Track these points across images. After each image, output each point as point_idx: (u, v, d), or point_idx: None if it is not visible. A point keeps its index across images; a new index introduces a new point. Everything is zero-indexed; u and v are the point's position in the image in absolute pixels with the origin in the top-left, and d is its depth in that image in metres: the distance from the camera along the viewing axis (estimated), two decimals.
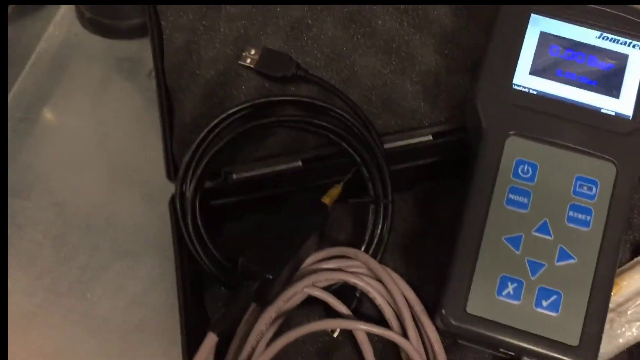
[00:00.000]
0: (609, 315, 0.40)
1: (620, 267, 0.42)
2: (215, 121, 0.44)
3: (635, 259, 0.42)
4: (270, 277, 0.36)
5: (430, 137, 0.46)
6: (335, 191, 0.42)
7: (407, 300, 0.41)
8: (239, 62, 0.48)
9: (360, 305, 0.43)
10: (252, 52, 0.48)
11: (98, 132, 0.56)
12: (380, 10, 0.50)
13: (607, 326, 0.39)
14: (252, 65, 0.48)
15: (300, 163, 0.46)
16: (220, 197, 0.46)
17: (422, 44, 0.49)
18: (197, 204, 0.44)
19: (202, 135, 0.44)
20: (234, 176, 0.46)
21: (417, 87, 0.48)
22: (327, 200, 0.41)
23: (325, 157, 0.46)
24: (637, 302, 0.40)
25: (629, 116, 0.40)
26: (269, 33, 0.50)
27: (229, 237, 0.47)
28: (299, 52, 0.49)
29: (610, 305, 0.40)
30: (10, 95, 0.57)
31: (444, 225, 0.46)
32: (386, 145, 0.46)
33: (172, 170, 0.46)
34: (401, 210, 0.47)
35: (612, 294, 0.41)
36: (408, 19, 0.50)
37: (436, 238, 0.46)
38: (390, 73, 0.48)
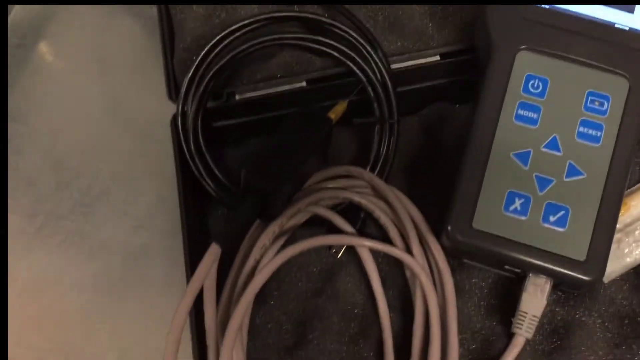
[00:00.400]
0: (617, 235, 0.40)
1: (629, 188, 0.42)
2: (217, 38, 0.43)
3: None
4: (274, 188, 0.35)
5: (438, 58, 0.45)
6: (340, 107, 0.41)
7: (412, 219, 0.40)
8: None
9: (365, 227, 0.43)
10: None
11: (97, 60, 0.55)
12: None
13: (614, 246, 0.39)
14: None
15: (304, 83, 0.45)
16: (222, 119, 0.45)
17: None
18: (199, 123, 0.43)
19: (203, 53, 0.43)
20: (237, 97, 0.45)
21: (425, 7, 0.46)
22: (332, 115, 0.40)
23: (330, 78, 0.45)
24: None
25: None
26: None
27: (231, 160, 0.46)
28: None
29: (618, 226, 0.40)
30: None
31: (450, 150, 0.45)
32: (392, 66, 0.45)
33: (174, 90, 0.45)
34: (407, 133, 0.46)
35: (621, 214, 0.40)
36: None
37: (442, 162, 0.45)
38: None
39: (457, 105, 0.47)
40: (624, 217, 0.40)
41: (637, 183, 0.42)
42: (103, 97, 0.53)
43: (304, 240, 0.38)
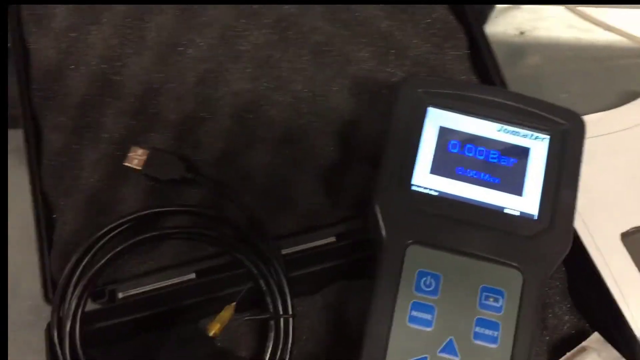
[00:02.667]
0: None
1: None
2: (94, 237, 0.40)
3: None
4: None
5: (334, 239, 0.43)
6: (226, 314, 0.38)
7: None
8: (125, 163, 0.44)
9: None
10: (139, 152, 0.44)
11: None
12: (278, 97, 0.47)
13: None
14: (138, 167, 0.44)
15: (193, 275, 0.42)
16: (105, 319, 0.42)
17: (322, 133, 0.46)
18: (77, 331, 0.39)
19: (79, 253, 0.40)
20: (120, 294, 0.42)
21: (318, 181, 0.45)
22: (216, 326, 0.37)
23: (221, 268, 0.42)
24: None
25: (534, 215, 0.38)
26: (159, 129, 0.46)
27: None
28: (192, 148, 0.46)
29: None
30: None
31: (354, 331, 0.42)
32: (287, 250, 0.43)
33: (51, 290, 0.42)
34: (308, 317, 0.43)
35: None
36: (308, 107, 0.47)
37: (346, 345, 0.42)
38: (289, 166, 0.45)
39: (362, 282, 0.44)
40: None
41: None
42: None
43: None
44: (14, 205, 0.48)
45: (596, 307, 0.42)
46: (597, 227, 0.47)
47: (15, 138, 0.52)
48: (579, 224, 0.39)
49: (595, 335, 0.40)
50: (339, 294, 0.44)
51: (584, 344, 0.40)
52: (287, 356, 0.39)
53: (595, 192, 0.49)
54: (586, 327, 0.42)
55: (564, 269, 0.44)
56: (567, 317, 0.42)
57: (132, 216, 0.41)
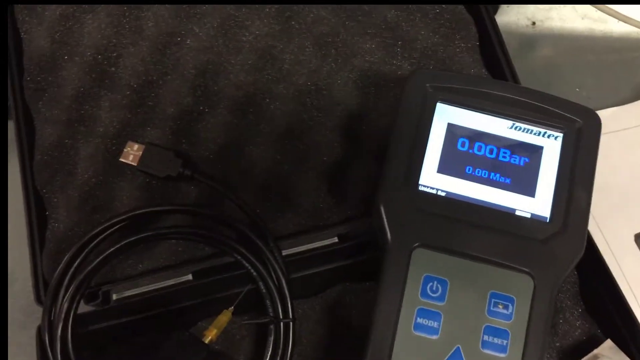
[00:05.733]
0: None
1: None
2: (88, 237, 0.39)
3: None
4: None
5: (336, 239, 0.42)
6: (223, 318, 0.37)
7: None
8: (120, 159, 0.42)
9: None
10: (135, 147, 0.42)
11: None
12: (280, 91, 0.45)
13: None
14: (134, 164, 0.42)
15: (190, 276, 0.41)
16: (99, 322, 0.40)
17: (326, 128, 0.44)
18: (69, 334, 0.38)
19: (72, 253, 0.38)
20: (114, 296, 0.40)
21: (321, 179, 0.43)
22: (213, 332, 0.36)
23: (219, 269, 0.41)
24: None
25: (546, 218, 0.36)
26: (156, 123, 0.44)
27: None
28: (190, 143, 0.44)
29: None
30: None
31: (356, 335, 0.41)
32: (287, 251, 0.41)
33: (43, 291, 0.40)
34: (308, 319, 0.42)
35: None
36: (311, 100, 0.45)
37: (347, 350, 0.41)
38: (291, 163, 0.43)
39: (364, 284, 0.43)
40: None
41: None
42: None
43: None
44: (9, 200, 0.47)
45: (609, 311, 0.40)
46: (610, 227, 0.45)
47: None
48: (591, 225, 0.37)
49: (608, 343, 0.39)
50: (341, 297, 0.42)
51: (596, 351, 0.39)
52: None
53: (608, 190, 0.47)
54: (598, 333, 0.41)
55: (575, 272, 0.42)
56: (578, 323, 0.41)
57: (127, 215, 0.39)
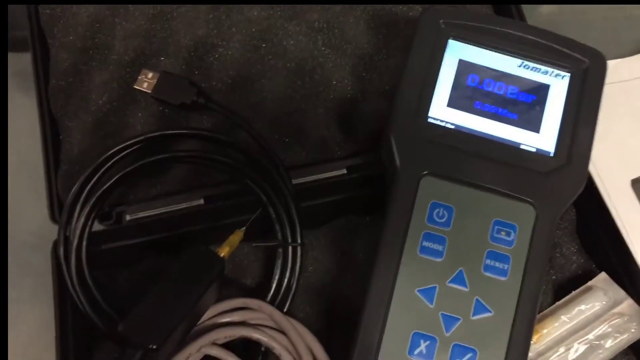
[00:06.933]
0: None
1: (541, 311, 0.40)
2: (103, 157, 0.39)
3: (556, 304, 0.40)
4: (151, 349, 0.32)
5: (345, 171, 0.43)
6: (235, 238, 0.38)
7: (313, 355, 0.37)
8: (135, 86, 0.43)
9: None
10: (150, 75, 0.43)
11: None
12: (292, 28, 0.46)
13: None
14: (148, 91, 0.43)
15: (202, 201, 0.42)
16: (112, 241, 0.41)
17: (337, 66, 0.45)
18: (84, 250, 0.39)
19: (87, 172, 0.39)
20: (127, 217, 0.41)
21: (331, 114, 0.44)
22: (225, 249, 0.37)
23: (230, 194, 0.42)
24: (559, 352, 0.38)
25: (550, 152, 0.38)
26: (170, 53, 0.45)
27: (123, 284, 0.42)
28: (203, 75, 0.45)
29: (530, 355, 0.38)
30: None
31: (360, 265, 0.42)
32: (297, 180, 0.42)
33: (57, 211, 0.41)
34: (314, 249, 0.43)
35: (532, 342, 0.38)
36: (323, 39, 0.46)
37: (351, 279, 0.42)
38: (301, 98, 0.44)
39: (368, 216, 0.44)
40: (536, 345, 0.38)
41: (549, 305, 0.40)
42: None
43: None
44: (21, 127, 0.48)
45: (604, 246, 0.42)
46: (608, 172, 0.47)
47: (18, 61, 0.51)
48: (590, 168, 0.39)
49: (602, 275, 0.40)
50: (345, 229, 0.44)
51: (590, 283, 0.40)
52: (294, 284, 0.39)
53: (608, 138, 0.48)
54: (593, 267, 0.42)
55: (573, 210, 0.44)
56: (574, 258, 0.43)
57: (142, 137, 0.40)
